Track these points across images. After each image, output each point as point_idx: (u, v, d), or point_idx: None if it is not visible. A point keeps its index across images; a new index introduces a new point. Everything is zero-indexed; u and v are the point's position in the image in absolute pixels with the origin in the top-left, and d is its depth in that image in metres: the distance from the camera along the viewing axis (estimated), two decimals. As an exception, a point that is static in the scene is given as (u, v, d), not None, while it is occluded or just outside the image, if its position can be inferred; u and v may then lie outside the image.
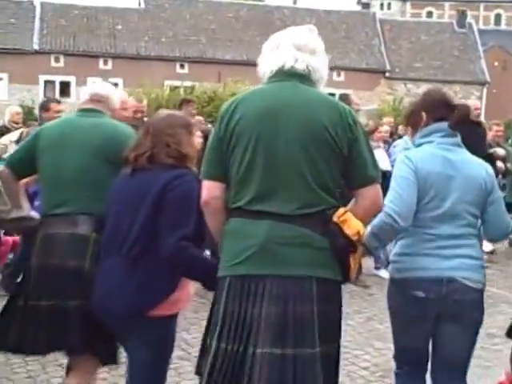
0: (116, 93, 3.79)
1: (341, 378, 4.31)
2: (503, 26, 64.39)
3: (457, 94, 41.11)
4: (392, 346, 3.45)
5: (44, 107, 6.60)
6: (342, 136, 2.54)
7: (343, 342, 5.09)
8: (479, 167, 3.26)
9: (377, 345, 5.44)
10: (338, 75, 40.16)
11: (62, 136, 3.35)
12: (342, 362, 4.63)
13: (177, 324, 3.07)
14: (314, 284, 2.48)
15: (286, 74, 2.62)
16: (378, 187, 2.65)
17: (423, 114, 3.23)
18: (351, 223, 2.56)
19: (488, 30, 55.94)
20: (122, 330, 2.97)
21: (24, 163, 3.43)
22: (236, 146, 2.58)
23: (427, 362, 3.32)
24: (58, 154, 3.30)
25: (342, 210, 2.57)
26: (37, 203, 5.41)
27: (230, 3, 44.20)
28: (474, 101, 8.94)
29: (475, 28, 46.19)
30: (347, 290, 7.04)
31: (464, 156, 3.24)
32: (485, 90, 42.98)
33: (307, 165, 2.52)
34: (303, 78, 2.63)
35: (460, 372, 3.29)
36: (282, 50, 2.64)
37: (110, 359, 3.31)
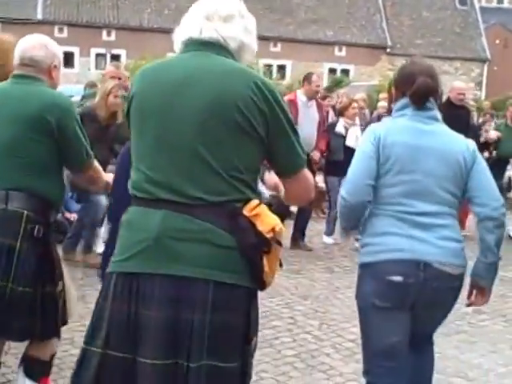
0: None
1: (326, 350, 4.71)
2: (506, 4, 63.94)
3: (457, 71, 41.37)
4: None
5: None
6: (256, 114, 2.15)
7: (331, 315, 5.48)
8: (458, 141, 3.01)
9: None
10: (340, 50, 40.36)
11: None
12: (328, 335, 5.07)
13: None
14: (211, 288, 2.11)
15: (194, 44, 2.28)
16: (304, 174, 2.32)
17: (393, 88, 3.12)
18: (265, 218, 2.18)
19: (490, 8, 55.62)
20: None
21: None
22: (133, 124, 2.31)
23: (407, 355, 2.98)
24: None
25: (254, 203, 2.19)
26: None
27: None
28: (461, 83, 8.79)
29: (477, 6, 46.04)
30: (341, 265, 7.46)
31: (440, 128, 3.01)
32: (485, 68, 43.11)
33: (209, 146, 2.14)
34: (216, 47, 2.26)
35: (429, 338, 3.21)
36: (190, 20, 2.34)
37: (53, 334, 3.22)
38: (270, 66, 37.15)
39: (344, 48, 40.31)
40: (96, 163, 3.35)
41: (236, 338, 2.18)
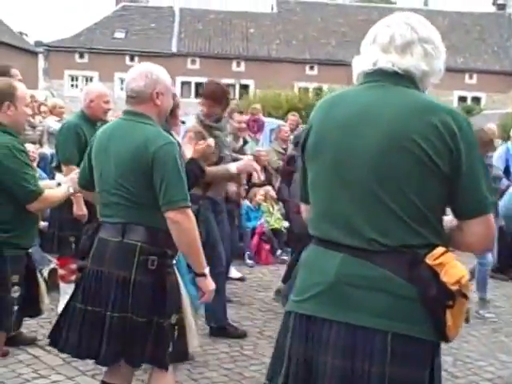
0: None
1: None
2: None
3: None
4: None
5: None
6: (439, 150, 1.99)
7: (465, 351, 5.21)
8: None
9: (501, 357, 5.27)
10: (470, 78, 39.40)
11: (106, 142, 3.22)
12: (464, 372, 4.81)
13: None
14: (390, 340, 2.02)
15: (370, 75, 2.17)
16: (489, 220, 2.09)
17: None
18: (450, 268, 2.01)
19: None
20: None
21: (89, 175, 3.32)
22: (307, 157, 2.24)
23: None
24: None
25: (439, 250, 2.03)
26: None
27: (360, 6, 44.40)
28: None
29: None
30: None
31: None
32: None
33: (386, 184, 2.02)
34: (394, 78, 2.12)
35: None
36: (365, 50, 2.21)
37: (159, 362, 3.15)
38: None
39: (475, 75, 39.34)
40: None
41: None
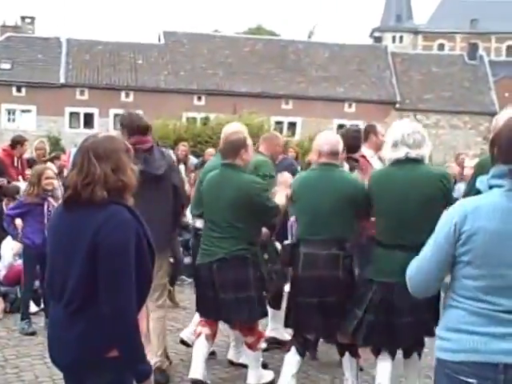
0: None
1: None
2: (515, 58, 65.13)
3: (466, 125, 42.06)
4: None
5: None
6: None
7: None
8: None
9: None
10: (350, 107, 41.35)
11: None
12: None
13: None
14: None
15: (404, 161, 4.24)
16: None
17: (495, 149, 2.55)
18: None
19: (499, 61, 56.65)
20: (75, 381, 2.77)
21: None
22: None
23: None
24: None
25: None
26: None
27: (246, 38, 45.82)
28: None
29: (486, 60, 46.70)
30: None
31: None
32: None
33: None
34: (412, 161, 4.22)
35: None
36: (399, 149, 4.23)
37: None
38: (280, 123, 38.24)
39: (354, 104, 41.36)
40: None
41: None
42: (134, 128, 4.86)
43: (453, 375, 2.49)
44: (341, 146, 4.68)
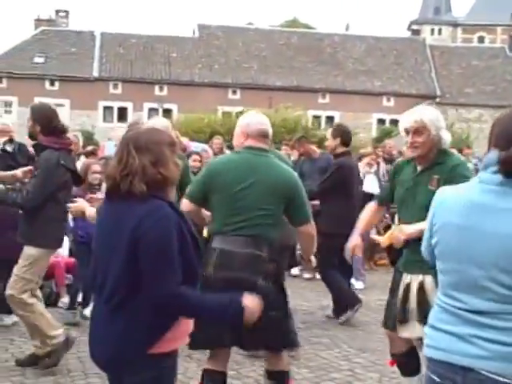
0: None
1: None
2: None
3: (509, 119, 40.92)
4: None
5: None
6: None
7: (391, 368, 5.01)
8: None
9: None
10: (388, 100, 40.59)
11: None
12: None
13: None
14: None
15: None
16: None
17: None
18: None
19: (542, 54, 55.40)
20: (114, 377, 2.76)
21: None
22: None
23: None
24: None
25: None
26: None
27: (281, 31, 45.29)
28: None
29: (528, 51, 45.96)
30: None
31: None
32: (538, 115, 42.54)
33: None
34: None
35: None
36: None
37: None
38: (318, 117, 37.60)
39: (392, 98, 40.57)
40: None
41: None
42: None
43: (426, 371, 2.54)
44: (270, 129, 3.91)
